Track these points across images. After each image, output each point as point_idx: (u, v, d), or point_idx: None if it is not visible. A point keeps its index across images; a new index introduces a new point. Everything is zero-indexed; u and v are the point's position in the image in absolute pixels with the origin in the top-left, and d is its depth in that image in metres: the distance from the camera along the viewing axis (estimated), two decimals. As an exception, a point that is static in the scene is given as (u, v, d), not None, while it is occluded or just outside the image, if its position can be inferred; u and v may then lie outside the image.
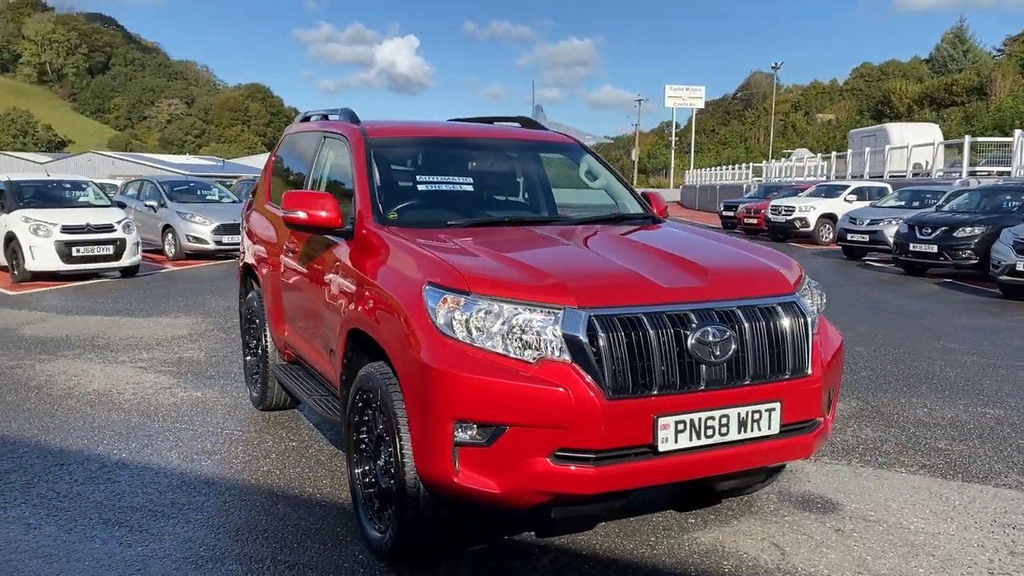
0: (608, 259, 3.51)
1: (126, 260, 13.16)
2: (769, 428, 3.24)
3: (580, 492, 3.00)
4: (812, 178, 35.41)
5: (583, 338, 2.98)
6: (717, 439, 3.14)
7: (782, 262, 3.74)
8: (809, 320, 3.42)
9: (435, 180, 4.47)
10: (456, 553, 3.60)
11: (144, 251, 16.41)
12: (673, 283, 3.29)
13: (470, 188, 4.50)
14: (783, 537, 3.84)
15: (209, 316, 9.81)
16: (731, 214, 28.94)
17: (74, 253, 12.53)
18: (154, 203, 16.92)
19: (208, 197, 17.99)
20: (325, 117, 5.21)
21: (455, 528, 3.78)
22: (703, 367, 3.12)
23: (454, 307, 3.10)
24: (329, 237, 4.22)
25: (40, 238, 12.34)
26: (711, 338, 3.13)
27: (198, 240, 15.79)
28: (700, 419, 3.10)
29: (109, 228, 12.95)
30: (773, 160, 52.26)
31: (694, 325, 3.13)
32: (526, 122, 5.36)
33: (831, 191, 23.86)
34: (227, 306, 10.33)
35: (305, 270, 4.57)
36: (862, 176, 30.58)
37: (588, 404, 2.94)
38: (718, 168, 57.46)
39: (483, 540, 3.77)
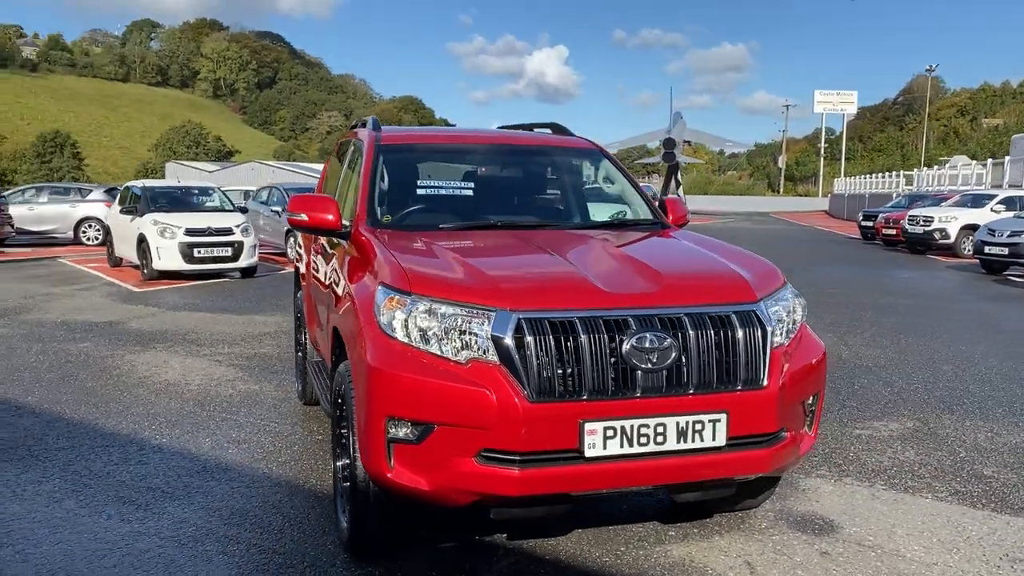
0: (564, 264, 3.51)
1: (243, 261, 14.03)
2: (714, 440, 3.15)
3: (504, 493, 3.02)
4: (966, 187, 33.10)
5: (509, 340, 3.01)
6: (653, 448, 3.09)
7: (755, 270, 3.62)
8: (769, 330, 3.30)
9: (437, 185, 4.60)
10: (422, 549, 3.69)
11: (272, 254, 17.47)
12: (620, 288, 3.26)
13: (470, 193, 4.59)
14: (760, 556, 3.70)
15: (302, 316, 10.32)
16: (869, 224, 27.53)
17: (195, 254, 13.49)
18: (279, 208, 17.91)
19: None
20: (365, 125, 5.43)
21: (423, 524, 3.87)
22: (639, 374, 3.07)
23: (397, 307, 3.20)
24: (337, 240, 4.41)
25: (166, 240, 13.37)
26: (648, 344, 3.08)
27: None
28: (633, 426, 3.05)
29: (228, 231, 13.86)
30: (926, 168, 49.18)
31: (632, 331, 3.09)
32: (557, 128, 5.40)
33: (977, 200, 22.24)
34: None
35: (320, 271, 4.80)
36: (1021, 185, 28.31)
37: (510, 406, 2.96)
38: (869, 176, 54.66)
39: (450, 538, 3.83)
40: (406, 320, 3.15)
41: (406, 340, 3.14)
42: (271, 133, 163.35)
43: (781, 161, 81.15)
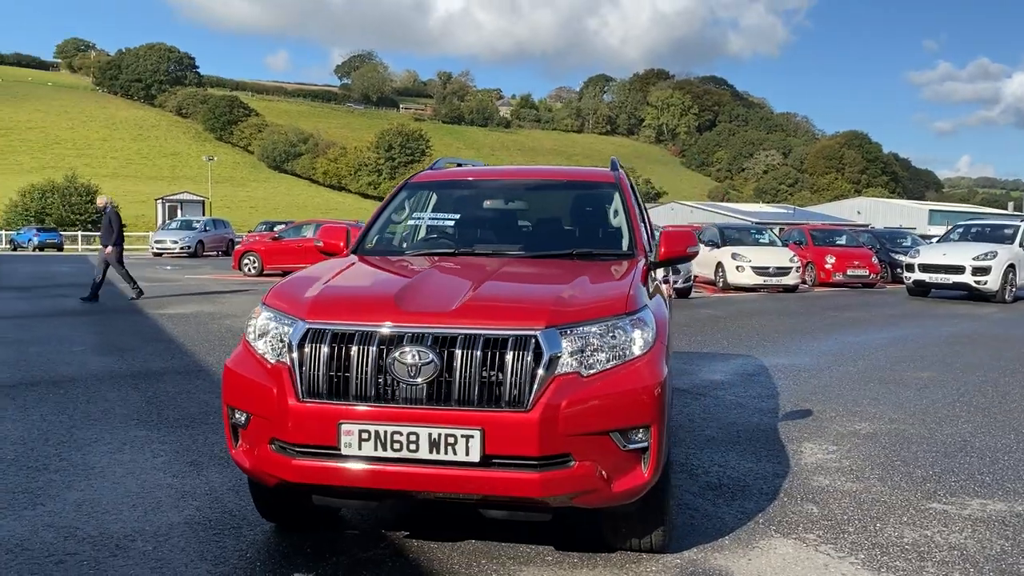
0: (400, 283, 3.86)
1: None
2: (467, 455, 3.30)
3: (285, 478, 3.52)
4: None
5: (296, 346, 3.52)
6: (405, 455, 3.34)
7: (583, 300, 3.67)
8: (548, 356, 3.34)
9: (428, 216, 5.12)
10: (318, 526, 4.26)
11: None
12: (419, 308, 3.55)
13: (452, 223, 5.03)
14: (599, 593, 3.62)
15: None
16: None
17: None
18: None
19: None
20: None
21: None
22: (401, 385, 3.37)
23: (254, 315, 3.89)
24: None
25: None
26: (410, 359, 3.36)
27: None
28: (387, 432, 3.35)
29: None
30: None
31: (402, 346, 3.39)
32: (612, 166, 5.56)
33: None
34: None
35: None
36: None
37: (282, 402, 3.48)
38: None
39: (356, 528, 4.34)
40: (255, 325, 3.82)
41: (251, 342, 3.81)
42: (707, 174, 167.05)
43: None
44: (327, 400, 3.43)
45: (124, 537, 4.16)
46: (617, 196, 5.09)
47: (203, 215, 53.89)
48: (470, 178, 5.51)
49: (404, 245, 4.96)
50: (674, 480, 4.25)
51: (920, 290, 19.03)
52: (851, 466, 5.50)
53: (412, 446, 3.33)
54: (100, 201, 16.19)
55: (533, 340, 3.37)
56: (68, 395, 7.31)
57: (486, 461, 3.31)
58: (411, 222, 5.15)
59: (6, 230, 56.05)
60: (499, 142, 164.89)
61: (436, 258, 4.60)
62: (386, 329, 3.45)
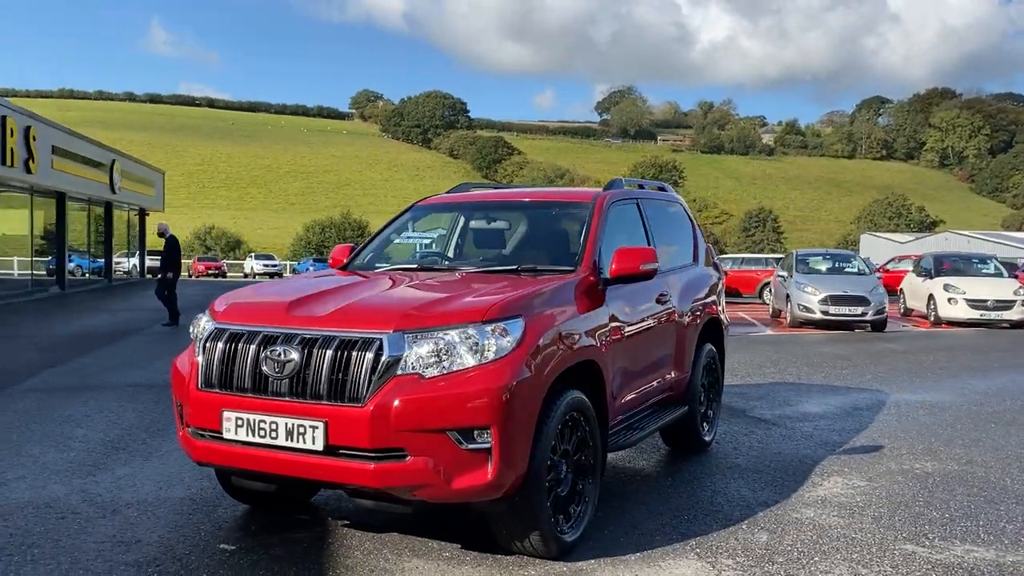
0: (308, 293, 4.28)
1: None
2: (313, 444, 3.67)
3: (193, 457, 4.08)
4: None
5: (202, 343, 4.08)
6: (268, 440, 3.78)
7: (443, 308, 3.92)
8: (390, 357, 3.65)
9: (414, 236, 5.51)
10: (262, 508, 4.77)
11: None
12: (302, 314, 4.00)
13: (428, 242, 5.37)
14: (456, 588, 3.79)
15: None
16: None
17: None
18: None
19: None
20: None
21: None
22: (269, 379, 3.82)
23: (198, 318, 4.48)
24: None
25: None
26: (275, 356, 3.81)
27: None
28: (254, 420, 3.81)
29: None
30: None
31: (275, 345, 3.84)
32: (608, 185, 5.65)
33: None
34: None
35: None
36: None
37: (187, 390, 4.06)
38: None
39: (310, 514, 4.80)
40: (196, 326, 4.42)
41: (193, 341, 4.41)
42: (1001, 201, 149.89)
43: None
44: (216, 390, 3.95)
45: (125, 505, 4.92)
46: (588, 218, 5.15)
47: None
48: (465, 201, 5.84)
49: (383, 261, 5.39)
50: (648, 497, 4.24)
51: None
52: (860, 502, 5.08)
53: (273, 433, 3.75)
54: (159, 227, 15.53)
55: (378, 342, 3.67)
56: (198, 395, 8.47)
57: (330, 450, 3.65)
58: (397, 241, 5.58)
59: (290, 261, 63.46)
60: (760, 170, 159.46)
61: (394, 273, 4.98)
62: (267, 330, 3.91)
